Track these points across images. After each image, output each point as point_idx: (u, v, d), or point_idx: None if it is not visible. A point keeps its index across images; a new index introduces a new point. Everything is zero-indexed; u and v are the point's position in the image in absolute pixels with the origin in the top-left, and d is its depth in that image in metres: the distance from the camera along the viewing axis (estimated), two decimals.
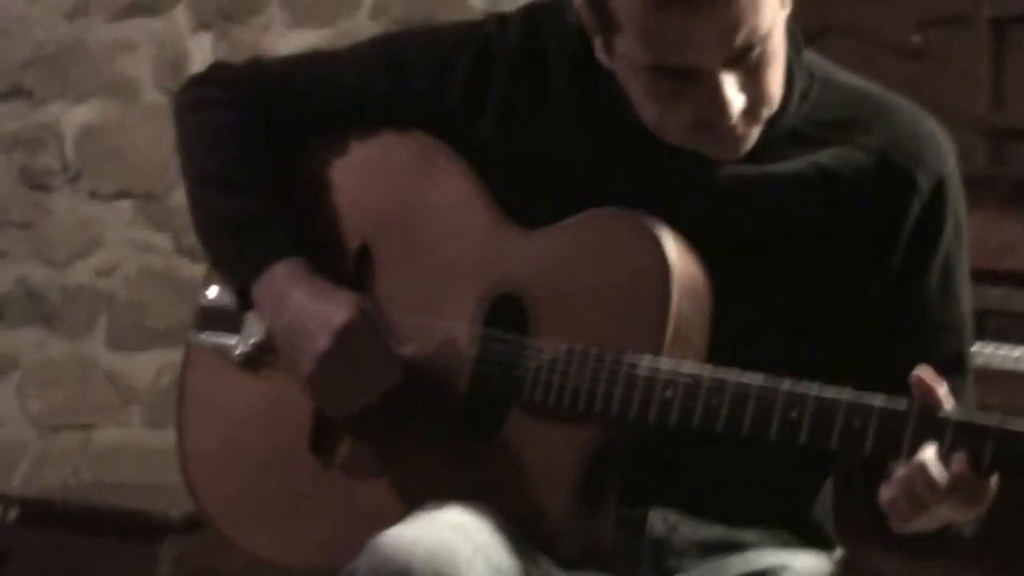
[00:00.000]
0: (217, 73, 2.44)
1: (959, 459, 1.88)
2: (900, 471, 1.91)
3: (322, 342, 2.18)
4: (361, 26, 4.43)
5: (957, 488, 1.88)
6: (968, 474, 1.87)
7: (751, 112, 2.06)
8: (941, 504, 1.90)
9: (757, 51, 2.02)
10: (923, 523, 1.96)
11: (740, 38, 1.99)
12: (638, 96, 2.09)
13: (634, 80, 2.08)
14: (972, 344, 2.25)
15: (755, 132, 2.10)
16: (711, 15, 1.96)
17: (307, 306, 2.22)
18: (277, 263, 2.26)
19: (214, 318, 2.39)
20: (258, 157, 2.35)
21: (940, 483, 1.88)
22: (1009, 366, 2.99)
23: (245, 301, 2.30)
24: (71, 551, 3.65)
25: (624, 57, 2.07)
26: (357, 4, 4.52)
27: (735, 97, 2.03)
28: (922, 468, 1.88)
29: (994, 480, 1.92)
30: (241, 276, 2.29)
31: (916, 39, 3.48)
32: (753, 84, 2.05)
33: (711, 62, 2.00)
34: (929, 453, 1.89)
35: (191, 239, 2.67)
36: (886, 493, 1.94)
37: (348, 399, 2.22)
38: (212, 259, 2.38)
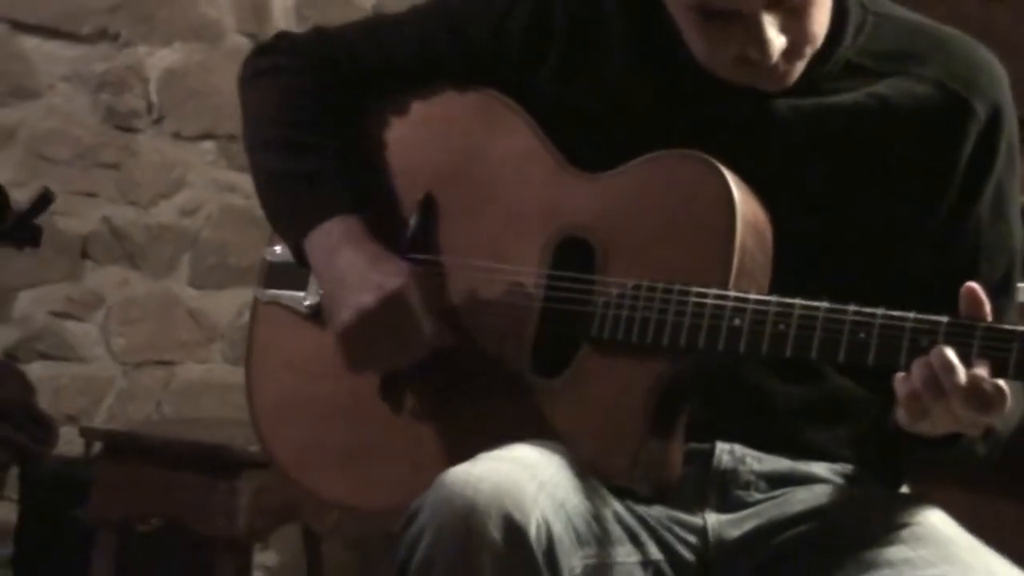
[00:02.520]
0: (281, 42, 2.47)
1: (984, 362, 1.90)
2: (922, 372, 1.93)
3: (367, 299, 2.21)
4: None
5: (973, 389, 1.90)
6: (985, 375, 1.90)
7: (793, 50, 2.10)
8: (957, 402, 1.91)
9: None
10: (932, 422, 1.97)
11: None
12: (687, 30, 2.13)
13: (684, 17, 2.12)
14: (1020, 270, 2.26)
15: (800, 66, 2.14)
16: None
17: (359, 265, 2.25)
18: (332, 219, 2.29)
19: (281, 274, 2.43)
20: (319, 119, 2.37)
21: (960, 379, 1.89)
22: None
23: (300, 256, 2.33)
24: (152, 484, 3.67)
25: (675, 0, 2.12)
26: None
27: (775, 37, 2.07)
28: (945, 361, 1.90)
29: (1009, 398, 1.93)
30: (297, 230, 2.32)
31: None
32: (794, 24, 2.09)
33: (751, 4, 2.04)
34: (952, 352, 1.90)
35: None
36: (904, 386, 1.95)
37: (374, 360, 2.27)
38: (270, 218, 2.40)
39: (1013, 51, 2.31)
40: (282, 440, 2.40)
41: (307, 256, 2.31)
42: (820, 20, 2.13)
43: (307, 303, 2.40)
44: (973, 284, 1.95)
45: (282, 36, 2.51)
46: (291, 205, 2.35)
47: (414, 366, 2.27)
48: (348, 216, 2.29)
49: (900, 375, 1.96)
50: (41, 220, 1.83)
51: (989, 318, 1.94)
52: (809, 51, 2.14)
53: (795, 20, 2.09)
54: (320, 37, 2.45)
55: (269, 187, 2.39)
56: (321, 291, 2.33)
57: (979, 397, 1.91)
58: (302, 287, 2.40)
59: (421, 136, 2.38)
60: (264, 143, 2.41)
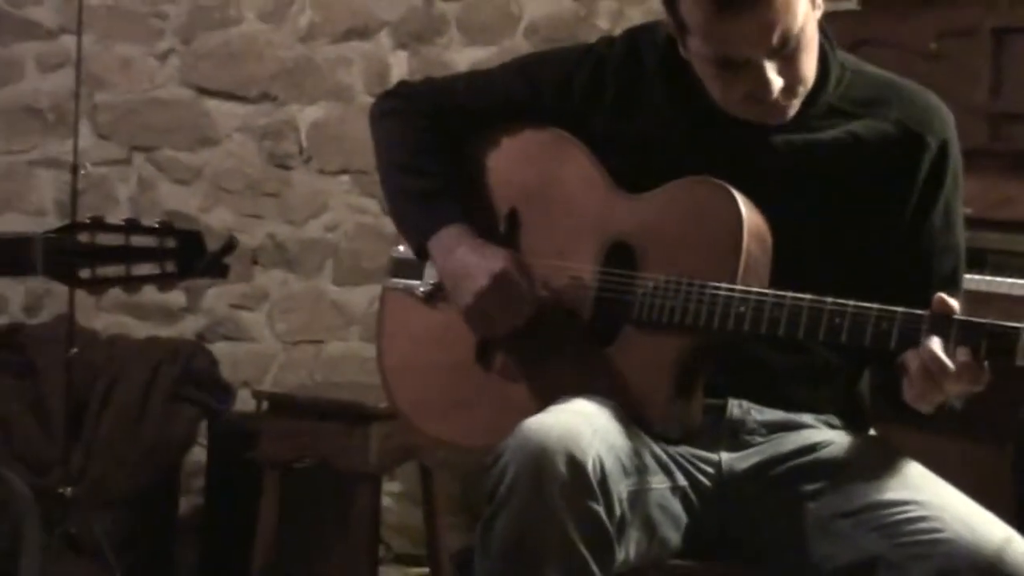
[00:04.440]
0: (401, 89, 2.48)
1: (963, 351, 1.90)
2: (917, 365, 1.93)
3: (481, 282, 2.22)
4: (518, 44, 4.43)
5: (963, 372, 1.90)
6: (970, 360, 1.89)
7: (789, 89, 2.09)
8: (953, 385, 1.92)
9: (792, 44, 2.05)
10: (935, 401, 1.98)
11: (777, 36, 2.03)
12: (706, 79, 2.13)
13: (703, 68, 2.12)
14: (964, 266, 2.25)
15: (795, 104, 2.13)
16: (754, 20, 2.01)
17: (470, 258, 2.25)
18: (447, 227, 2.29)
19: (403, 267, 2.42)
20: (432, 148, 2.37)
21: (951, 368, 1.90)
22: (1004, 290, 3.00)
23: (422, 255, 2.33)
24: (305, 434, 3.67)
25: (694, 51, 2.11)
26: (515, 27, 4.49)
27: (775, 79, 2.06)
28: (935, 358, 1.90)
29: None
30: (420, 236, 2.32)
31: (933, 46, 3.42)
32: (789, 68, 2.08)
33: (757, 54, 2.04)
34: (939, 347, 1.90)
35: None
36: (911, 391, 1.97)
37: (494, 325, 2.26)
38: (397, 224, 2.40)
39: (949, 99, 2.27)
40: (403, 394, 2.40)
41: (430, 254, 2.31)
42: (809, 65, 2.12)
43: (422, 290, 2.38)
44: (943, 296, 1.94)
45: (402, 84, 2.51)
46: (415, 216, 2.35)
47: (504, 336, 2.27)
48: (459, 224, 2.29)
49: (905, 380, 1.97)
50: (227, 259, 1.88)
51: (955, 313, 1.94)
52: (802, 90, 2.13)
53: (789, 65, 2.08)
54: (431, 86, 2.46)
55: (396, 201, 2.40)
56: (444, 281, 2.31)
57: (969, 378, 1.91)
58: (419, 277, 2.39)
59: (506, 164, 2.37)
60: (391, 164, 2.41)
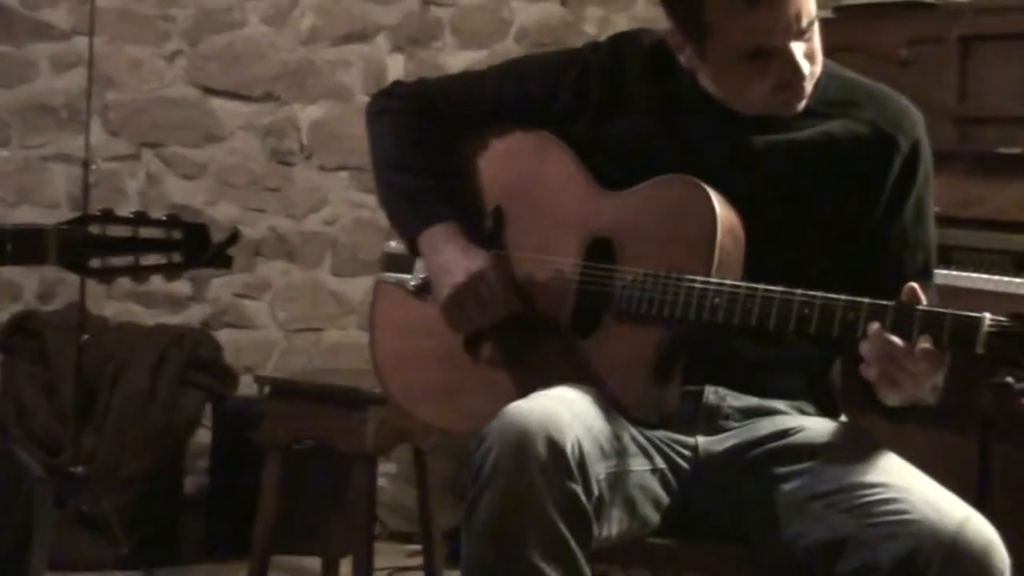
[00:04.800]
0: (396, 89, 2.46)
1: (926, 337, 1.90)
2: (882, 349, 1.91)
3: (458, 278, 2.22)
4: (509, 47, 4.45)
5: (925, 357, 1.90)
6: (932, 347, 1.89)
7: (811, 73, 2.10)
8: (913, 369, 1.91)
9: (812, 27, 2.07)
10: (901, 391, 1.96)
11: (804, 20, 2.03)
12: (726, 82, 2.13)
13: (724, 70, 2.11)
14: (936, 259, 2.25)
15: (809, 88, 2.13)
16: (784, 8, 2.01)
17: (455, 255, 2.25)
18: (436, 224, 2.29)
19: (395, 262, 2.41)
20: (424, 147, 2.36)
21: (913, 354, 1.90)
22: (971, 285, 3.00)
23: (413, 249, 2.33)
24: (305, 417, 3.66)
25: (716, 56, 2.09)
26: (506, 32, 4.51)
27: (803, 62, 2.07)
28: (893, 344, 1.90)
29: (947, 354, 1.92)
30: (410, 232, 2.32)
31: (904, 52, 3.46)
32: (810, 52, 2.09)
33: (787, 40, 2.04)
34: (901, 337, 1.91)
35: None
36: (871, 370, 1.95)
37: (468, 321, 2.26)
38: (390, 219, 2.39)
39: (919, 103, 2.26)
40: (395, 382, 2.40)
41: (419, 249, 2.31)
42: (820, 49, 2.12)
43: (413, 283, 2.38)
44: (914, 285, 1.94)
45: (397, 84, 2.50)
46: (406, 213, 2.35)
47: (490, 326, 2.27)
48: (448, 222, 2.29)
49: (862, 365, 1.96)
50: (230, 250, 1.88)
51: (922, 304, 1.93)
52: (816, 71, 2.13)
53: (809, 48, 2.09)
54: (423, 86, 2.44)
55: (389, 197, 2.39)
56: (429, 275, 2.31)
57: (930, 363, 1.91)
58: (409, 271, 2.39)
59: (494, 164, 2.37)
60: (385, 161, 2.40)
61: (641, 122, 2.23)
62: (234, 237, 1.92)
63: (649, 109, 2.23)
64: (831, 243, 2.17)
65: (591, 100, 2.27)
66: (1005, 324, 1.87)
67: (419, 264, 2.36)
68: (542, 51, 2.56)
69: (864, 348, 1.94)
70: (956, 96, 3.37)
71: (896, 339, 1.91)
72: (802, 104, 2.14)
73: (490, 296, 2.24)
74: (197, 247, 1.91)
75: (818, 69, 2.13)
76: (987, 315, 1.88)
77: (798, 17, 2.03)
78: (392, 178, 2.38)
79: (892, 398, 2.00)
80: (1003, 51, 3.33)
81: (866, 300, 1.95)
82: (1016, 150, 3.18)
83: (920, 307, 1.92)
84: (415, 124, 2.38)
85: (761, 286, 2.03)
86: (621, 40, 2.30)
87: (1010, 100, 3.29)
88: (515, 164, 2.34)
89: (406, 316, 2.40)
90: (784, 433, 2.16)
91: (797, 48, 2.06)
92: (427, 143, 2.37)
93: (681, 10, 2.10)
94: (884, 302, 1.95)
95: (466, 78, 2.47)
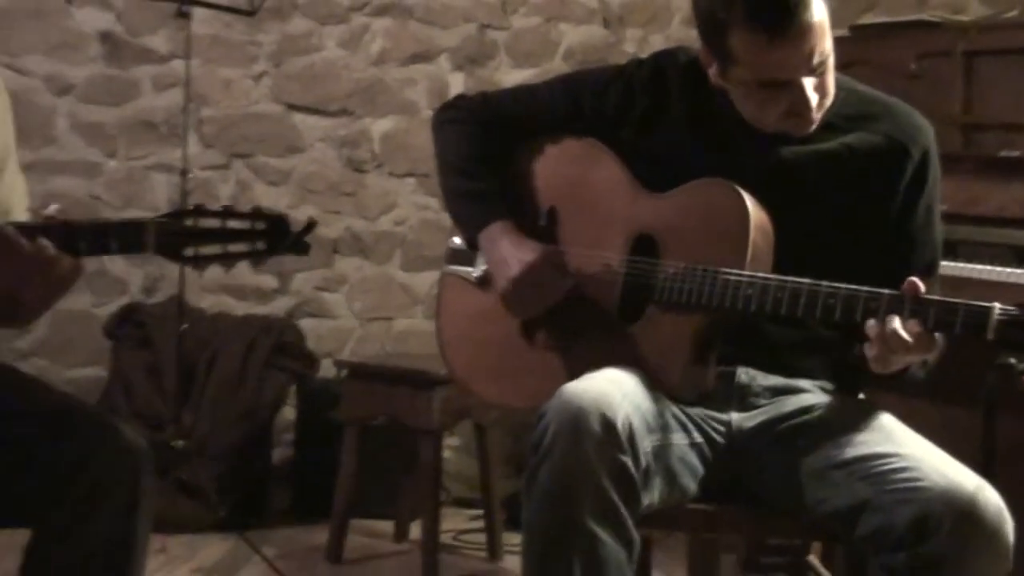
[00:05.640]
0: (459, 101, 2.47)
1: (917, 322, 1.90)
2: (876, 332, 1.92)
3: (515, 270, 2.23)
4: (556, 66, 4.44)
5: (917, 338, 1.90)
6: (922, 331, 1.90)
7: (820, 103, 2.09)
8: (905, 349, 1.91)
9: (825, 64, 2.05)
10: (894, 363, 1.97)
11: (816, 58, 2.02)
12: (746, 103, 2.11)
13: (744, 94, 2.10)
14: (940, 256, 2.24)
15: (819, 116, 2.12)
16: (800, 46, 2.00)
17: (510, 250, 2.26)
18: (494, 222, 2.30)
19: (458, 256, 2.42)
20: (484, 154, 2.37)
21: (906, 336, 1.90)
22: (974, 275, 2.98)
23: (473, 244, 2.34)
24: (379, 396, 3.68)
25: (737, 79, 2.09)
26: (554, 52, 4.50)
27: (812, 95, 2.06)
28: (894, 328, 1.90)
29: (939, 336, 1.93)
30: (471, 228, 2.33)
31: (913, 66, 3.43)
32: (821, 85, 2.08)
33: (799, 75, 2.04)
34: (899, 323, 1.90)
35: None
36: (872, 349, 1.95)
37: (524, 307, 2.27)
38: (453, 217, 2.40)
39: (927, 112, 2.25)
40: (459, 364, 2.40)
41: (479, 244, 2.32)
42: (832, 83, 2.11)
43: (475, 275, 2.38)
44: (914, 279, 1.93)
45: (460, 97, 2.49)
46: (468, 212, 2.35)
47: (546, 313, 2.26)
48: (504, 220, 2.29)
49: (867, 344, 1.95)
50: (308, 238, 1.86)
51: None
52: (827, 103, 2.12)
53: (821, 82, 2.08)
54: (484, 99, 2.44)
55: (452, 198, 2.39)
56: (487, 268, 2.31)
57: (922, 344, 1.91)
58: (471, 264, 2.39)
59: (548, 168, 2.36)
60: (449, 166, 2.40)
61: (680, 132, 2.23)
62: (310, 226, 1.92)
63: (687, 120, 2.22)
64: (849, 241, 2.16)
65: (635, 111, 2.26)
66: (1013, 313, 1.86)
67: (480, 258, 2.36)
68: (590, 67, 2.53)
69: (872, 331, 1.93)
70: (961, 105, 3.34)
71: (898, 326, 1.90)
72: (811, 128, 2.13)
73: (544, 284, 2.24)
74: (278, 235, 1.90)
75: (828, 100, 2.11)
76: (997, 305, 1.87)
77: (811, 56, 2.02)
78: (456, 181, 2.38)
79: (877, 368, 2.00)
80: (1004, 65, 3.29)
81: (886, 291, 1.94)
82: (1016, 154, 3.15)
83: (936, 298, 1.91)
84: (477, 132, 2.38)
85: (790, 278, 2.02)
86: (662, 57, 2.29)
87: (1010, 109, 3.25)
88: (567, 169, 2.34)
89: (468, 304, 2.40)
90: (808, 409, 2.16)
91: (808, 83, 2.05)
92: (487, 151, 2.37)
93: (710, 35, 2.09)
94: (899, 293, 1.93)
95: (522, 91, 2.46)
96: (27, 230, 1.89)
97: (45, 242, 1.88)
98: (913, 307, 1.91)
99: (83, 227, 1.90)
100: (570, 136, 2.33)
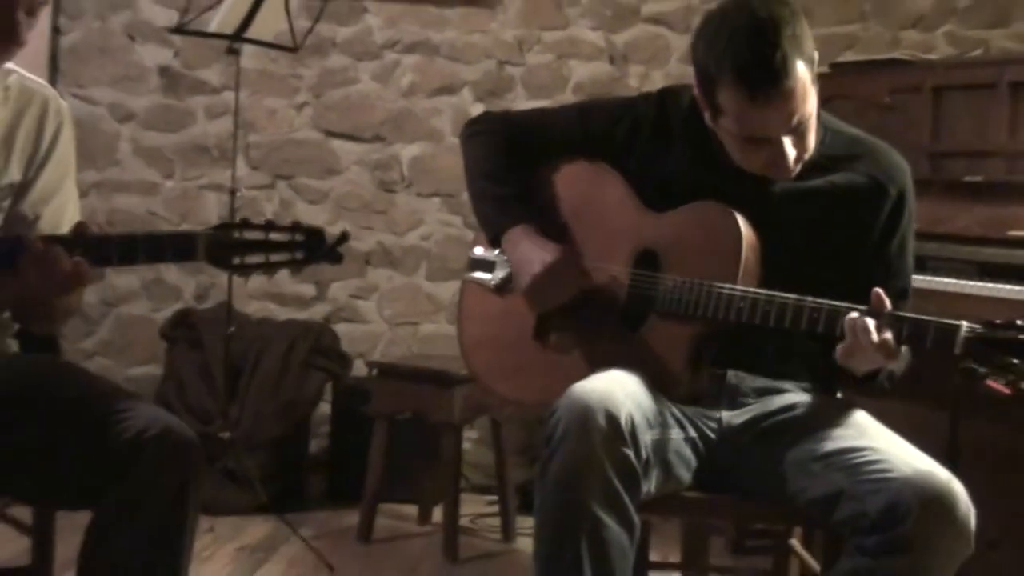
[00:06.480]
0: (484, 117, 2.46)
1: (889, 334, 1.92)
2: (851, 325, 1.93)
3: (536, 268, 2.21)
4: (567, 98, 4.41)
5: (886, 347, 1.91)
6: (892, 341, 1.91)
7: (798, 157, 2.07)
8: (873, 348, 1.91)
9: (805, 124, 2.03)
10: (862, 364, 1.98)
11: (796, 120, 2.00)
12: (732, 147, 2.10)
13: (730, 139, 2.09)
14: (911, 282, 2.23)
15: (798, 167, 2.10)
16: (780, 109, 1.98)
17: (531, 250, 2.24)
18: (517, 225, 2.27)
19: (478, 264, 2.40)
20: (508, 163, 2.34)
21: (875, 336, 1.91)
22: (941, 288, 2.94)
23: (496, 244, 2.31)
24: (406, 394, 3.67)
25: (725, 127, 2.07)
26: (565, 85, 4.48)
27: (791, 151, 2.04)
28: (866, 325, 1.92)
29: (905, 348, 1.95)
30: (495, 230, 2.30)
31: (887, 99, 3.42)
32: (800, 142, 2.06)
33: (779, 134, 2.02)
34: (873, 327, 1.92)
35: (471, 219, 2.61)
36: (843, 351, 1.97)
37: (544, 302, 2.24)
38: (479, 219, 2.36)
39: (899, 140, 2.25)
40: (478, 363, 2.39)
41: (502, 245, 2.29)
42: (812, 139, 2.09)
43: (493, 282, 2.37)
44: (878, 290, 1.94)
45: (486, 113, 2.48)
46: (493, 214, 2.32)
47: (557, 318, 2.25)
48: (526, 223, 2.27)
49: (838, 348, 1.97)
50: (341, 249, 1.87)
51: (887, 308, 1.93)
52: (806, 157, 2.10)
53: (801, 140, 2.05)
54: (507, 118, 2.42)
55: (479, 201, 2.36)
56: (511, 266, 2.28)
57: (888, 351, 1.92)
58: (491, 271, 2.38)
59: (562, 188, 2.34)
60: (477, 174, 2.37)
61: (681, 162, 2.21)
62: (343, 238, 1.92)
63: (688, 157, 2.21)
64: (831, 266, 2.15)
65: (641, 140, 2.25)
66: (979, 331, 1.85)
67: (499, 266, 2.35)
68: (603, 97, 2.50)
69: (847, 324, 1.94)
70: (930, 135, 3.33)
71: (871, 326, 1.91)
72: (790, 176, 2.10)
73: (562, 280, 2.22)
74: (315, 246, 1.91)
75: (808, 153, 2.09)
76: (964, 323, 1.87)
77: (791, 117, 1.99)
78: (482, 185, 2.36)
79: (855, 366, 2.00)
80: (968, 99, 3.28)
81: (863, 308, 1.95)
82: (979, 178, 3.14)
83: (910, 315, 1.92)
84: (502, 144, 2.36)
85: (778, 294, 2.02)
86: (666, 93, 2.28)
87: (974, 138, 3.25)
88: (578, 189, 2.32)
89: (487, 308, 2.38)
90: (790, 408, 2.15)
91: (787, 140, 2.02)
92: (511, 160, 2.35)
93: (703, 85, 2.07)
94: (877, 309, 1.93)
95: (541, 115, 2.43)
96: (68, 243, 1.89)
97: (79, 258, 1.88)
98: (890, 322, 1.91)
99: (143, 238, 1.91)
100: (582, 159, 2.32)
